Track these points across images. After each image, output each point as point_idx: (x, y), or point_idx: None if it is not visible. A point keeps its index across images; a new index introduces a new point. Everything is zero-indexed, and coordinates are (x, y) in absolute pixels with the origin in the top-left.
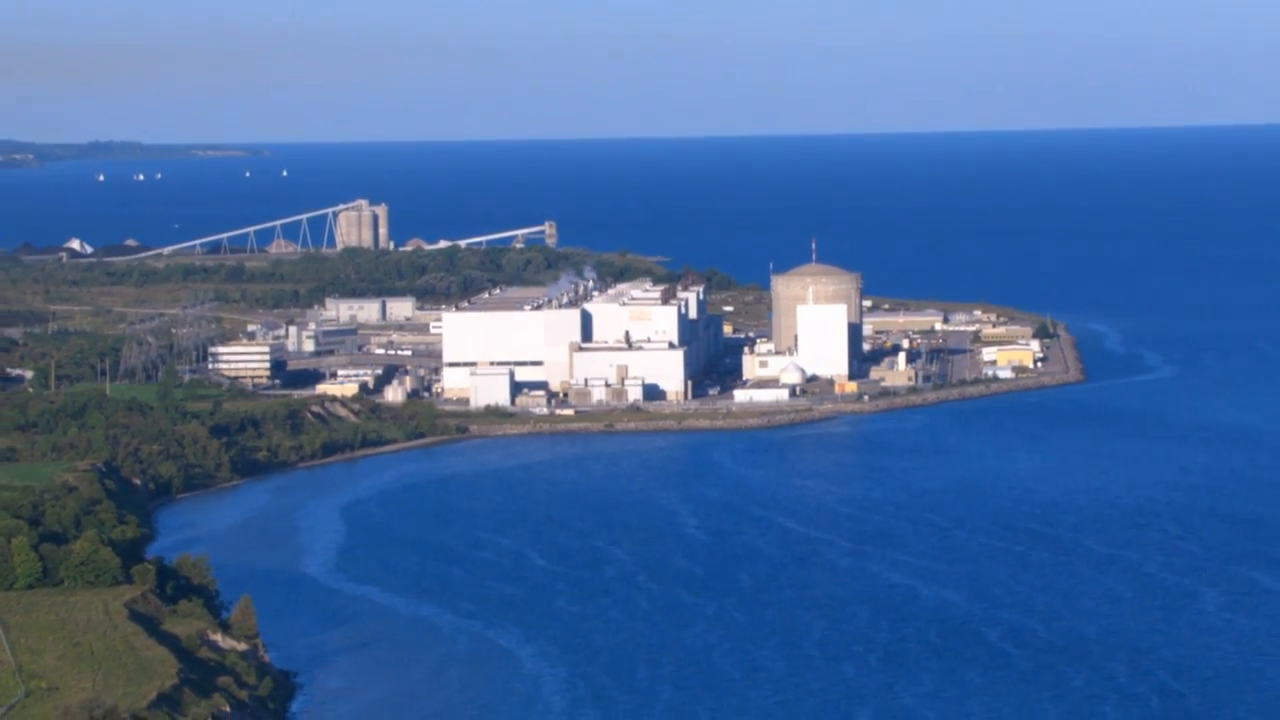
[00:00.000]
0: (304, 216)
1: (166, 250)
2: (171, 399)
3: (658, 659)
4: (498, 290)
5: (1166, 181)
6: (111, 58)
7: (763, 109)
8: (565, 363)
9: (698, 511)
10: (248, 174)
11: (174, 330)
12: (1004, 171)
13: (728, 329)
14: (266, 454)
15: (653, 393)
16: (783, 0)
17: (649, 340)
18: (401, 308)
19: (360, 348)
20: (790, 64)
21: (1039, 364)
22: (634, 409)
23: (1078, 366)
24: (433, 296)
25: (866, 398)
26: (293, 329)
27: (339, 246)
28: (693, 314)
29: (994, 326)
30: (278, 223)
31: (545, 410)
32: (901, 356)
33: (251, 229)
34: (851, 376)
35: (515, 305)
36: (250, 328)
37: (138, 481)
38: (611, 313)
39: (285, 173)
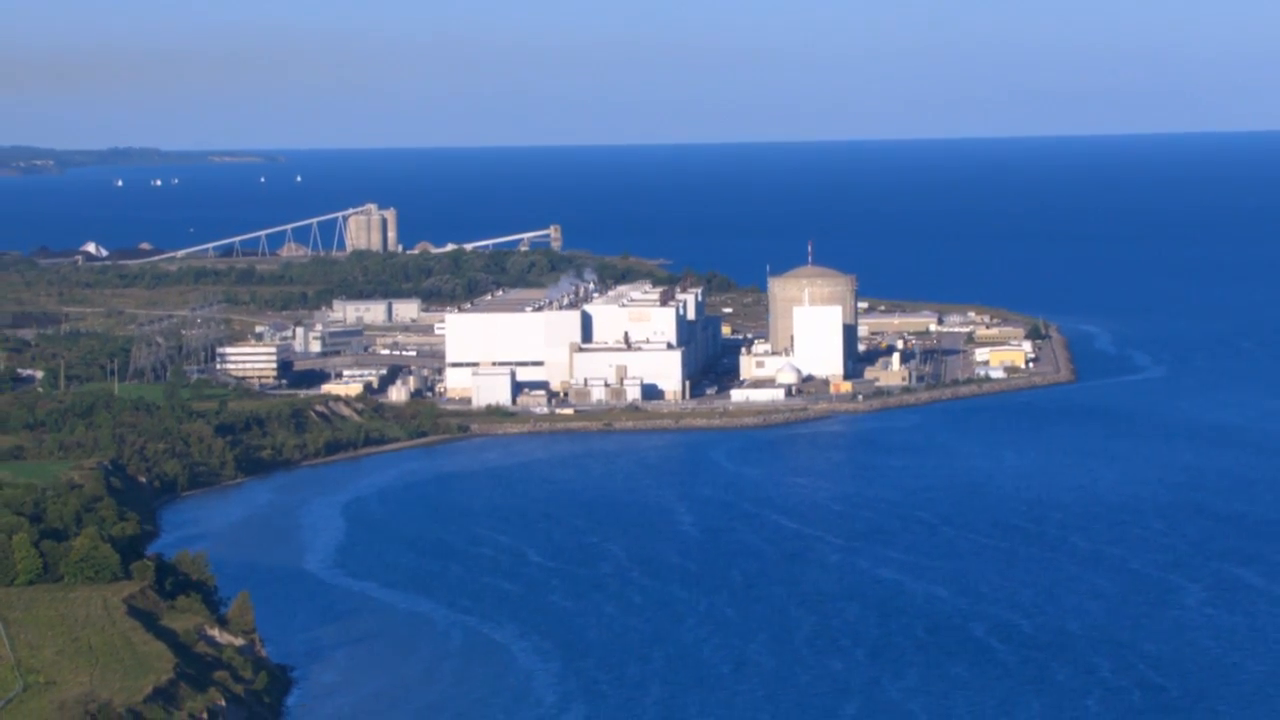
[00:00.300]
0: (314, 220)
1: (180, 253)
2: (178, 398)
3: (649, 653)
4: (500, 292)
5: (1159, 187)
6: (131, 66)
7: (762, 116)
8: (565, 363)
9: (693, 509)
10: (263, 179)
11: (183, 331)
12: (999, 177)
13: (726, 330)
14: (271, 452)
15: (651, 392)
16: (783, 11)
17: (648, 341)
18: (407, 309)
19: (366, 348)
20: (789, 72)
21: (1030, 364)
22: (633, 408)
23: (1068, 367)
24: (438, 298)
25: (861, 397)
26: (300, 330)
27: (348, 250)
28: (691, 315)
29: (987, 328)
30: (288, 226)
31: (545, 410)
32: (896, 357)
33: (263, 233)
34: (846, 376)
35: (517, 307)
36: (258, 329)
37: (143, 479)
38: (611, 314)
39: (299, 178)
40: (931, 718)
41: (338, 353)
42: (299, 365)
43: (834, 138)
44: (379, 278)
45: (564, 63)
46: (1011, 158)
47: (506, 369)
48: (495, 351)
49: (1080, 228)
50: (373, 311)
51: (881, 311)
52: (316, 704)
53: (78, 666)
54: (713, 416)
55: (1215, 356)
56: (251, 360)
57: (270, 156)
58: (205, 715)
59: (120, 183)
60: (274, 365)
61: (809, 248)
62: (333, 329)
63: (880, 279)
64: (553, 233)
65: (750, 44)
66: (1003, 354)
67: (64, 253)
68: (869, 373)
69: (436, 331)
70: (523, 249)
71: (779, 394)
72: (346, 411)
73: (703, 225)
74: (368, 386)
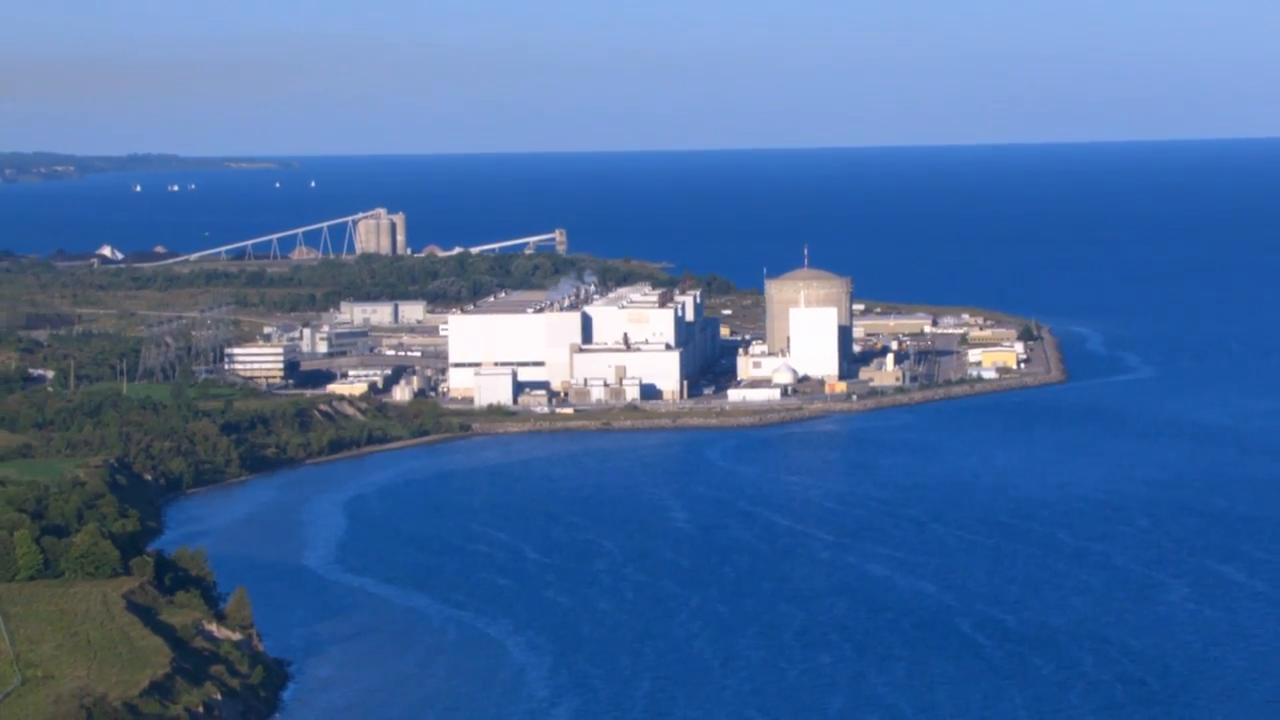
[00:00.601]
0: (325, 224)
1: (193, 257)
2: (185, 398)
3: (640, 648)
4: (503, 294)
5: (1150, 193)
6: (150, 74)
7: (762, 124)
8: (566, 363)
9: (687, 506)
10: (278, 185)
11: (192, 332)
12: (993, 183)
13: (725, 331)
14: (275, 451)
15: (650, 392)
16: (782, 23)
17: (646, 342)
18: (413, 311)
19: (372, 349)
20: (788, 81)
21: (1022, 365)
22: (631, 408)
23: (1059, 367)
24: (443, 300)
25: (855, 397)
26: (307, 331)
27: (358, 253)
28: (689, 317)
29: (980, 329)
30: (299, 230)
31: (546, 409)
32: (890, 358)
33: (275, 236)
34: (841, 377)
35: (518, 308)
36: (266, 330)
37: (149, 477)
38: (611, 315)
39: (313, 183)
40: (916, 711)
41: (344, 353)
42: (305, 365)
43: (831, 145)
44: (386, 280)
45: (570, 72)
46: (1005, 164)
47: (508, 369)
48: (497, 352)
49: (1073, 232)
50: (379, 313)
51: (878, 313)
52: (312, 697)
53: (76, 661)
54: (709, 416)
55: (1203, 357)
56: (259, 361)
57: (285, 163)
58: (201, 709)
59: (138, 188)
60: (281, 365)
61: (805, 251)
62: (339, 330)
63: (877, 282)
64: (558, 236)
65: (750, 54)
66: (995, 355)
67: (80, 256)
68: (863, 373)
69: (441, 332)
70: (528, 252)
71: (775, 394)
72: (350, 411)
73: (703, 229)
74: (372, 386)
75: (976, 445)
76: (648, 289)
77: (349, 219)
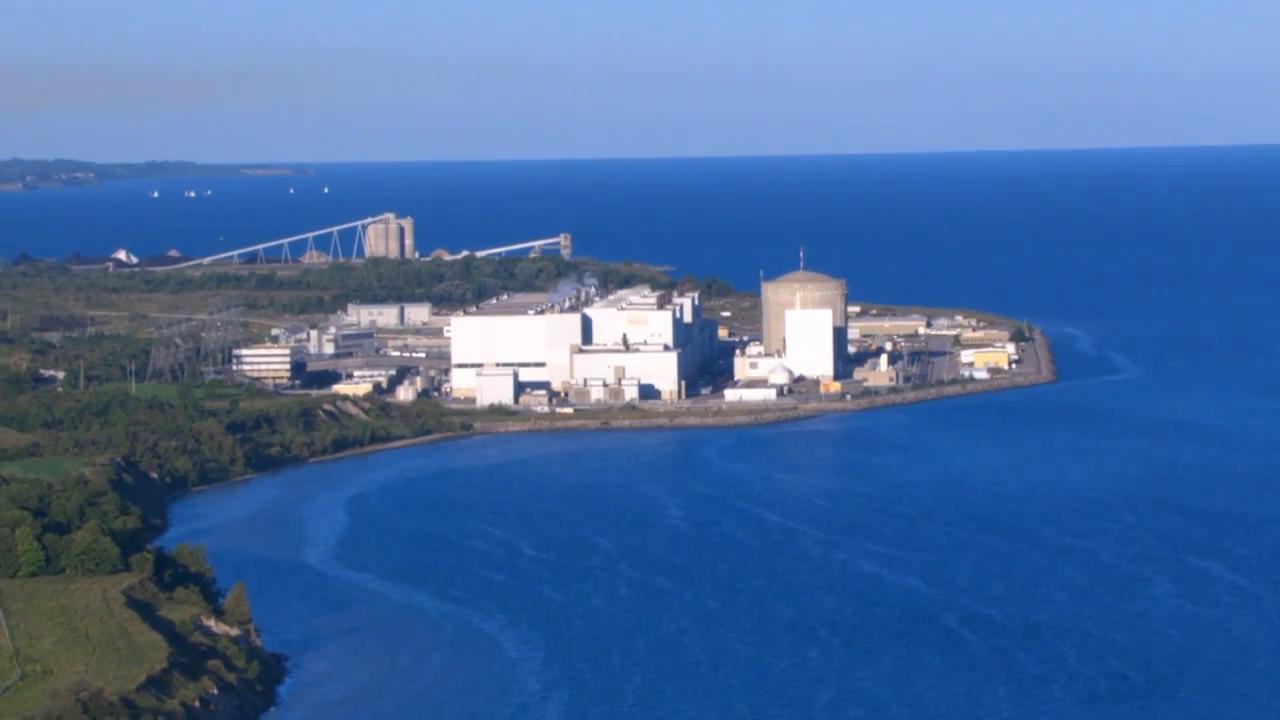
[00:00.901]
0: (335, 229)
1: (206, 260)
2: (191, 398)
3: (632, 642)
4: (505, 296)
5: (1140, 198)
6: (168, 84)
7: (761, 131)
8: (566, 364)
9: (682, 503)
10: (292, 191)
11: (201, 334)
12: (988, 189)
13: (723, 333)
14: (279, 450)
15: (648, 392)
16: (781, 34)
17: (645, 343)
18: (418, 313)
19: (378, 350)
20: (787, 90)
21: (1014, 365)
22: (630, 408)
23: (1050, 368)
24: (449, 303)
25: (849, 397)
26: (314, 333)
27: (367, 256)
28: (687, 318)
29: (974, 330)
30: (310, 235)
31: (546, 409)
32: (884, 358)
33: (286, 240)
34: (836, 377)
35: (520, 310)
36: (274, 331)
37: (155, 476)
38: (610, 317)
39: (327, 189)
40: (901, 704)
41: (350, 354)
42: (312, 366)
43: (829, 151)
44: (393, 283)
45: (575, 81)
46: (999, 170)
47: (509, 369)
48: (499, 353)
49: (1066, 236)
50: (385, 315)
51: (874, 315)
52: (308, 692)
53: (75, 656)
54: (706, 415)
55: (1191, 358)
56: (266, 362)
57: (300, 169)
58: (197, 703)
59: (156, 194)
60: (288, 366)
61: (800, 254)
62: (346, 332)
63: (873, 285)
64: (563, 241)
65: (750, 63)
66: (987, 355)
67: (96, 260)
68: (858, 373)
69: (445, 334)
70: (533, 256)
71: (771, 394)
72: (354, 410)
73: (704, 234)
74: (377, 386)
75: (967, 444)
76: (647, 291)
77: (358, 223)
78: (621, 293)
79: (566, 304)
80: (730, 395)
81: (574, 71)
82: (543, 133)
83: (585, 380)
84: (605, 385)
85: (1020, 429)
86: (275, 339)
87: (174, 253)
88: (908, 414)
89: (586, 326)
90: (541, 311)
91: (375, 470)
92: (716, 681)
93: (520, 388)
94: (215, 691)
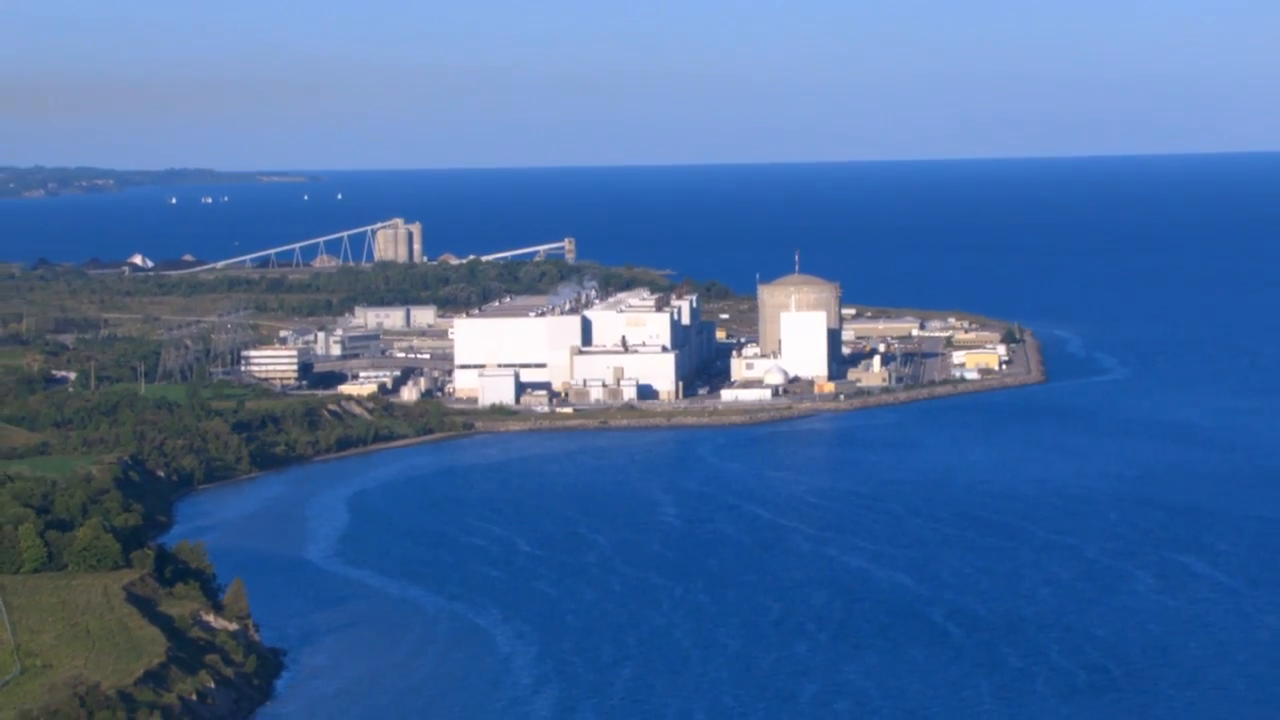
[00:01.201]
0: (345, 234)
1: (219, 264)
2: (199, 398)
3: (623, 637)
4: (508, 299)
5: (1129, 203)
6: (188, 94)
7: (760, 139)
8: (566, 365)
9: (677, 501)
10: (306, 197)
11: (211, 335)
12: (981, 195)
13: (721, 335)
14: (284, 449)
15: (646, 393)
16: (779, 46)
17: (644, 344)
18: (424, 315)
19: (383, 352)
20: (786, 100)
21: (1004, 366)
22: (628, 407)
23: (1040, 368)
24: (454, 305)
25: (842, 397)
26: (321, 335)
27: (376, 260)
28: (685, 320)
29: (965, 332)
30: (321, 239)
31: (546, 409)
32: (877, 359)
33: (298, 245)
34: (830, 378)
35: (521, 312)
36: (282, 333)
37: (162, 474)
38: (610, 319)
39: (339, 196)
40: (885, 697)
41: (356, 356)
42: (319, 367)
43: (826, 159)
44: (400, 286)
45: (582, 91)
46: (992, 178)
47: (511, 370)
48: (501, 354)
49: (1058, 241)
50: (392, 317)
51: (868, 317)
52: (305, 685)
53: (75, 650)
54: (702, 415)
55: (1177, 360)
56: (274, 363)
57: (314, 176)
58: (194, 697)
59: (174, 200)
60: (295, 367)
61: (796, 257)
62: (352, 334)
63: (868, 288)
64: (567, 245)
65: (751, 74)
66: (978, 356)
67: (112, 264)
68: (851, 374)
69: (450, 336)
70: (537, 260)
71: (766, 394)
72: (358, 410)
73: (704, 238)
74: (381, 387)
75: (956, 443)
76: (646, 294)
77: (368, 229)
78: (621, 295)
79: (567, 306)
80: (726, 395)
81: (580, 82)
82: (549, 141)
83: (585, 381)
84: (604, 386)
85: (1009, 428)
86: (283, 341)
87: (189, 257)
88: (899, 414)
89: (586, 328)
90: (542, 314)
91: (377, 469)
92: (705, 675)
93: (521, 388)
94: (212, 685)
